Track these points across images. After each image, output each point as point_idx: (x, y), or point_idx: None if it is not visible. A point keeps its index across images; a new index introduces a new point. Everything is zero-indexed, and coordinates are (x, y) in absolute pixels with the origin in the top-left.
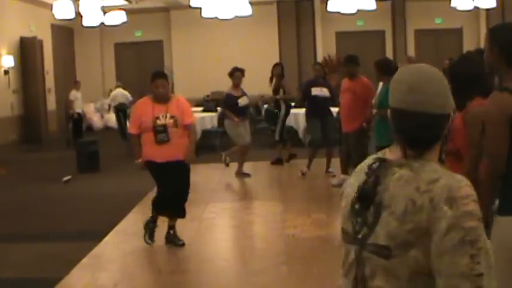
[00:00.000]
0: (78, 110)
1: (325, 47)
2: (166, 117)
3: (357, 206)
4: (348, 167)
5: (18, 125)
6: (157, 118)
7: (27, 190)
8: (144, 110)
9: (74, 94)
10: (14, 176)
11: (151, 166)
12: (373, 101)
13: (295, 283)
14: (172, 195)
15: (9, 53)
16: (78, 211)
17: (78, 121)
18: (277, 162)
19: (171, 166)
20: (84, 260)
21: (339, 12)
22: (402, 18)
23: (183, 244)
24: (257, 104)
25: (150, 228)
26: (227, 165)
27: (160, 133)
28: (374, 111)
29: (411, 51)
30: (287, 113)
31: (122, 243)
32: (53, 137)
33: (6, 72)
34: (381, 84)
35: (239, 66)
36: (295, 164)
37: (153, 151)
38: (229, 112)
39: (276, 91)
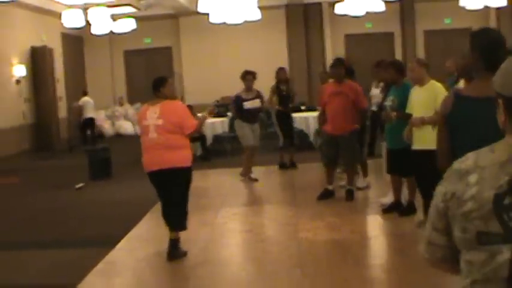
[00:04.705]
0: (87, 115)
1: (334, 50)
2: (154, 117)
3: (506, 201)
4: (367, 168)
5: (30, 133)
6: (146, 119)
7: (40, 198)
8: (141, 114)
9: (83, 100)
10: (27, 184)
11: (148, 175)
12: (388, 103)
13: (309, 286)
14: (166, 205)
15: (20, 63)
16: (91, 218)
17: (90, 126)
18: (282, 166)
19: (163, 175)
20: (98, 266)
21: (347, 15)
22: (411, 19)
23: (185, 253)
24: (267, 108)
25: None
26: (256, 179)
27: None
28: (393, 113)
29: (421, 53)
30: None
31: (136, 249)
32: (65, 144)
33: (18, 81)
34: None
35: (251, 69)
36: (306, 168)
37: (145, 158)
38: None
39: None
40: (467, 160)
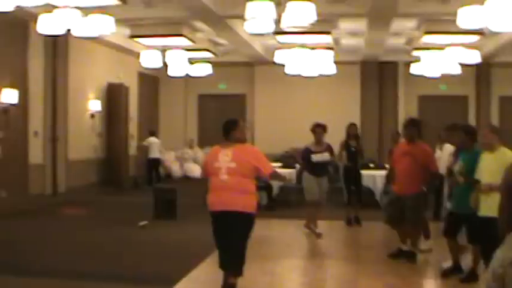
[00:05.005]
0: (153, 155)
1: (407, 110)
2: (227, 160)
3: None
4: (429, 230)
5: (100, 167)
6: (218, 161)
7: (104, 231)
8: (211, 155)
9: (149, 140)
10: (93, 216)
11: (211, 215)
12: (456, 167)
13: None
14: (223, 248)
15: (96, 98)
16: (152, 256)
17: (155, 166)
18: (347, 222)
19: (226, 216)
20: None
21: (422, 76)
22: (486, 84)
23: None
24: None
25: None
26: (320, 234)
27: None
28: (461, 178)
29: (495, 118)
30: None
31: None
32: (132, 181)
33: (92, 115)
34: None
35: (322, 122)
36: (370, 226)
37: (211, 198)
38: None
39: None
40: None
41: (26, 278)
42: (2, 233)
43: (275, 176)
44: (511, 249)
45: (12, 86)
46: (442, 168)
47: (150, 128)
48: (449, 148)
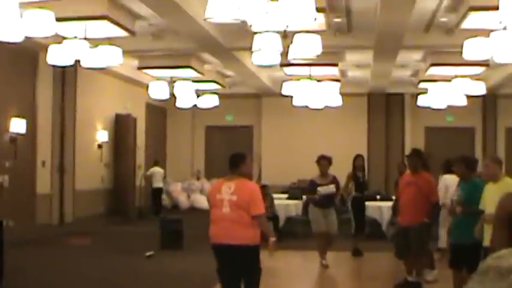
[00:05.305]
0: (156, 185)
1: (413, 141)
2: (229, 193)
3: None
4: (433, 261)
5: (106, 197)
6: (220, 193)
7: (110, 261)
8: (215, 187)
9: (152, 170)
10: (98, 246)
11: (213, 247)
12: (453, 197)
13: None
14: (226, 281)
15: (104, 128)
16: (158, 286)
17: (157, 195)
18: (354, 253)
19: (229, 251)
20: None
21: (429, 108)
22: (493, 115)
23: None
24: (342, 194)
25: None
26: (326, 266)
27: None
28: (458, 208)
29: (501, 149)
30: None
31: None
32: (143, 211)
33: (99, 146)
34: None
35: (327, 154)
36: (376, 257)
37: (213, 230)
38: (310, 197)
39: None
40: (509, 258)
41: None
42: (10, 261)
43: (259, 220)
44: (492, 281)
45: (20, 116)
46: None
47: (154, 158)
48: (446, 179)
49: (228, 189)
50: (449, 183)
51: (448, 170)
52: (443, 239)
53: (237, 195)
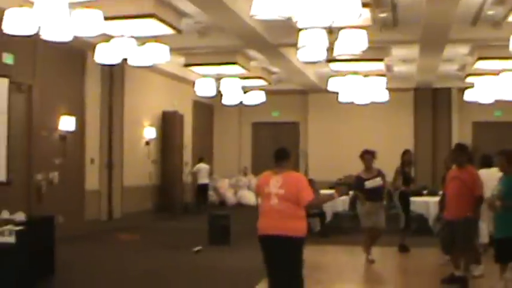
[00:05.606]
0: (201, 181)
1: (460, 136)
2: (277, 186)
3: None
4: (480, 256)
5: (154, 193)
6: (268, 186)
7: (159, 256)
8: (263, 180)
9: (198, 166)
10: (146, 241)
11: (260, 238)
12: (494, 192)
13: None
14: (273, 273)
15: (151, 125)
16: (205, 280)
17: (203, 191)
18: (401, 249)
19: (275, 241)
20: None
21: (476, 102)
22: None
23: None
24: (389, 189)
25: None
26: (372, 261)
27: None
28: (498, 202)
29: None
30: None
31: None
32: (189, 207)
33: (147, 143)
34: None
35: (370, 148)
36: (423, 253)
37: (261, 222)
38: (359, 194)
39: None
40: None
41: None
42: (60, 256)
43: (313, 205)
44: None
45: (69, 114)
46: None
47: (200, 155)
48: (482, 174)
49: (276, 183)
50: (485, 178)
51: (485, 165)
52: (484, 234)
53: (285, 189)
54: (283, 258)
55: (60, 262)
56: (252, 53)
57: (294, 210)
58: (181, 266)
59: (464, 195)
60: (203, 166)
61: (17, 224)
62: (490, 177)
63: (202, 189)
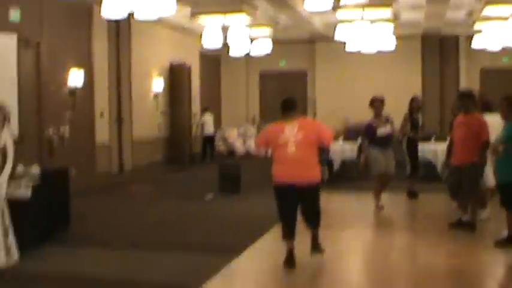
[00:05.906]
0: (208, 132)
1: (468, 83)
2: (293, 133)
3: None
4: (486, 200)
5: (163, 145)
6: (284, 133)
7: (171, 206)
8: (276, 130)
9: (203, 118)
10: (157, 192)
11: (276, 187)
12: (496, 136)
13: None
14: (289, 218)
15: (159, 78)
16: (217, 227)
17: (209, 142)
18: (410, 195)
19: (295, 188)
20: (222, 272)
21: (484, 49)
22: None
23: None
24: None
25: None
26: (382, 207)
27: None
28: (500, 147)
29: None
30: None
31: (258, 260)
32: (196, 158)
33: (155, 95)
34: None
35: (380, 96)
36: (431, 198)
37: (279, 170)
38: (367, 142)
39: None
40: None
41: (101, 249)
42: (74, 208)
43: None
44: None
45: (78, 68)
46: None
47: (204, 105)
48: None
49: (292, 130)
50: (488, 123)
51: (485, 110)
52: (490, 178)
53: (303, 133)
54: (305, 202)
55: (74, 214)
56: (258, 2)
57: (312, 158)
58: (194, 214)
59: (470, 140)
60: (208, 117)
61: (32, 177)
62: (492, 122)
63: (208, 140)
